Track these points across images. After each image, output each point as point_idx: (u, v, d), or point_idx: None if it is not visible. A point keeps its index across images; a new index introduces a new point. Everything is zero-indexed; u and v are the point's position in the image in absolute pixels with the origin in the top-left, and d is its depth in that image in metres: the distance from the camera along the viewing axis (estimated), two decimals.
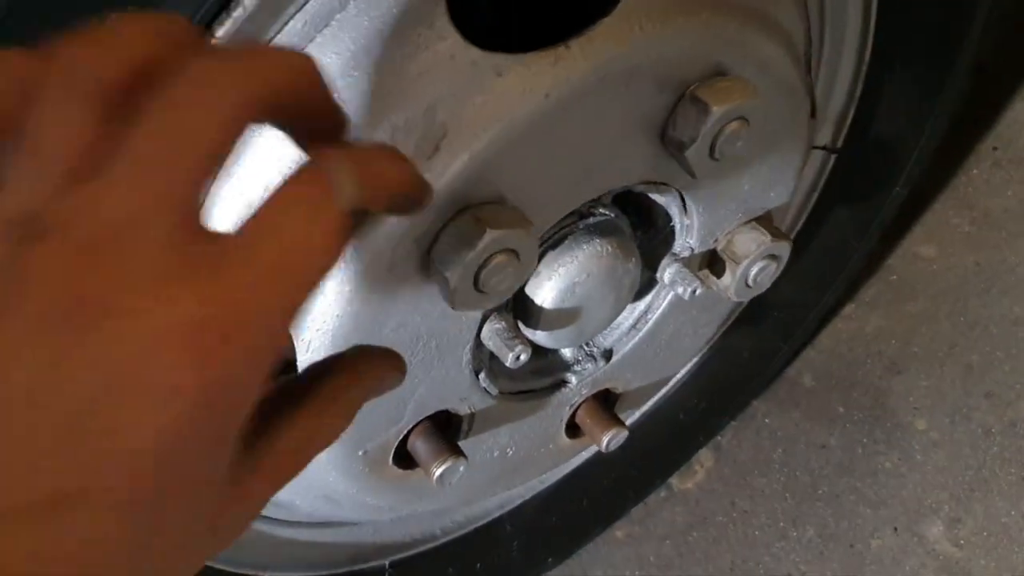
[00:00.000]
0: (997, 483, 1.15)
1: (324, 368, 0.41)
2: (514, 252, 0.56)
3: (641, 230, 0.74)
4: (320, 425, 0.40)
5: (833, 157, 0.92)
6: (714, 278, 0.78)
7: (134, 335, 0.28)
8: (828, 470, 1.22)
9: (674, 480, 1.26)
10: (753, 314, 1.03)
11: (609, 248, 0.69)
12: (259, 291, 0.31)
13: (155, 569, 0.32)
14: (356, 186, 0.33)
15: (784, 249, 0.77)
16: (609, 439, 0.81)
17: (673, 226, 0.74)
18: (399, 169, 0.38)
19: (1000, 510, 1.13)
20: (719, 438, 1.29)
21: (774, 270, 0.78)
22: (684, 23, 0.58)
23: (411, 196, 0.39)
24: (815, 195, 0.95)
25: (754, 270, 0.76)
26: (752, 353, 1.06)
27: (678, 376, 1.02)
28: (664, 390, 1.01)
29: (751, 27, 0.63)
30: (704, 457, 1.28)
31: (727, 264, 0.76)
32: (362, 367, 0.43)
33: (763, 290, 0.79)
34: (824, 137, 0.90)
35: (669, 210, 0.72)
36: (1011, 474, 1.15)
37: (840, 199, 0.97)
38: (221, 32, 0.49)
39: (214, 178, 0.32)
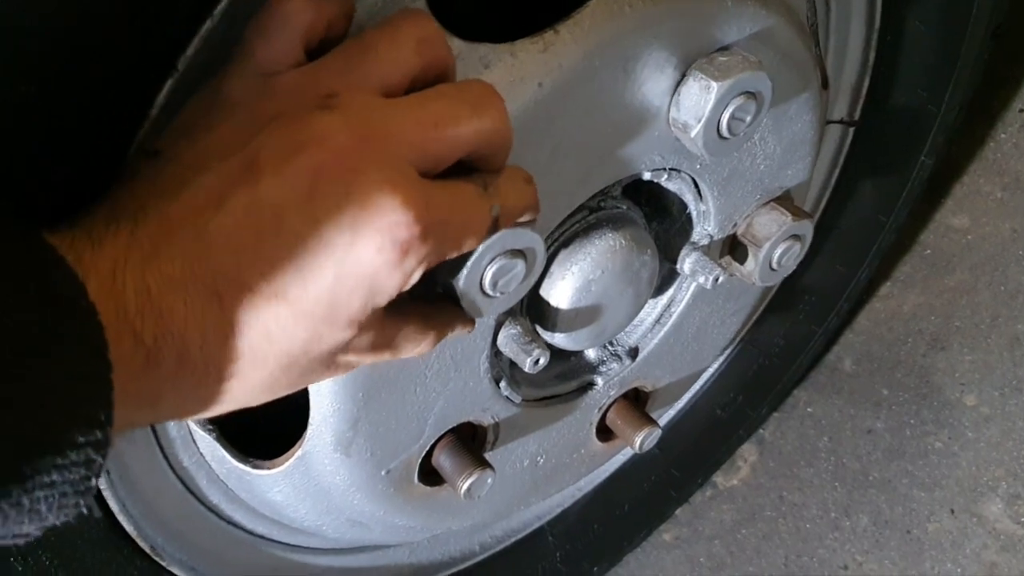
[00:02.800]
0: None
1: None
2: (521, 252, 0.54)
3: (656, 220, 0.72)
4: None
5: (852, 130, 0.89)
6: (737, 264, 0.75)
7: (380, 196, 0.41)
8: (877, 455, 1.18)
9: (719, 478, 1.23)
10: (783, 300, 0.99)
11: (623, 241, 0.66)
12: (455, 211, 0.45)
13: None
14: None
15: (807, 228, 0.74)
16: (642, 439, 0.78)
17: (689, 214, 0.71)
18: (532, 194, 0.50)
19: None
20: (762, 431, 1.25)
21: (798, 251, 0.75)
22: (679, 1, 0.56)
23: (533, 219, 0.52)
24: (836, 171, 0.92)
25: (777, 252, 0.73)
26: (786, 341, 1.03)
27: (711, 370, 0.99)
28: (697, 386, 0.98)
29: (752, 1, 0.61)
30: (748, 452, 1.25)
31: (749, 248, 0.74)
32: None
33: (789, 272, 0.76)
34: (840, 110, 0.87)
35: (683, 197, 0.70)
36: None
37: (863, 174, 0.93)
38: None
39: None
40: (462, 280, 0.52)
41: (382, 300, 0.43)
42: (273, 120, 0.42)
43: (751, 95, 0.59)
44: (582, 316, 0.67)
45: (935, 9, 0.82)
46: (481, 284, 0.53)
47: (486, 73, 0.51)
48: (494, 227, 0.49)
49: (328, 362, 0.45)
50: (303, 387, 0.48)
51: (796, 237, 0.74)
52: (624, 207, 0.68)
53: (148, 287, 0.39)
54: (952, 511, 1.12)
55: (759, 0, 0.61)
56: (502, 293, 0.55)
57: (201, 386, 0.42)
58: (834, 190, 0.93)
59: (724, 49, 0.59)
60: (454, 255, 0.47)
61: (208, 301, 0.40)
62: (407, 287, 0.44)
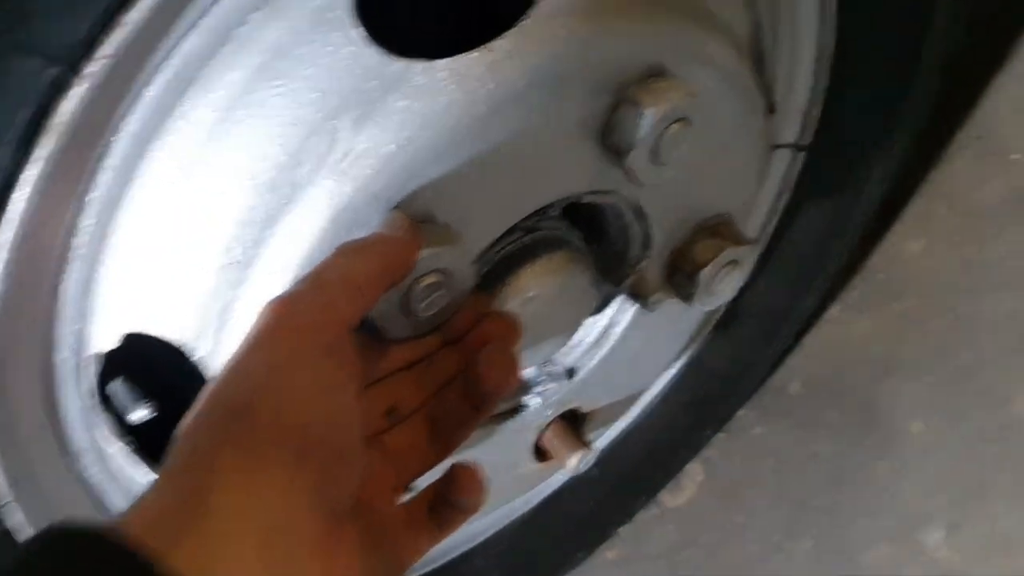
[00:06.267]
0: (995, 487, 1.10)
1: None
2: (445, 272, 0.53)
3: (596, 242, 0.71)
4: None
5: (802, 154, 0.89)
6: (676, 287, 0.74)
7: None
8: (821, 480, 1.18)
9: (664, 497, 1.22)
10: (731, 321, 0.99)
11: (559, 263, 0.65)
12: None
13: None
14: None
15: (748, 253, 0.73)
16: (577, 461, 0.77)
17: (629, 236, 0.71)
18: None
19: (1000, 514, 1.09)
20: (709, 451, 1.25)
21: (738, 276, 0.74)
22: (614, 23, 0.55)
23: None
24: (785, 195, 0.91)
25: (716, 277, 0.73)
26: (731, 363, 1.02)
27: (654, 391, 0.98)
28: (640, 406, 0.97)
29: (689, 25, 0.60)
30: (694, 472, 1.24)
31: (688, 272, 0.73)
32: None
33: (729, 297, 0.76)
34: (790, 134, 0.87)
35: (623, 220, 0.69)
36: (1007, 477, 1.10)
37: (813, 198, 0.93)
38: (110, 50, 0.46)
39: None
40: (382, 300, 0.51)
41: None
42: None
43: (686, 121, 0.59)
44: None
45: (885, 37, 0.82)
46: (405, 305, 0.52)
47: (419, 89, 0.50)
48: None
49: None
50: None
51: (736, 263, 0.73)
52: (562, 228, 0.67)
53: None
54: (893, 538, 1.12)
55: (698, 26, 0.61)
56: (426, 315, 0.53)
57: None
58: (783, 214, 0.93)
59: (660, 74, 0.58)
60: None
61: None
62: None
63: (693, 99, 0.58)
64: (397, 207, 0.50)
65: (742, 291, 0.97)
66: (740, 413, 1.26)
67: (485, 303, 0.61)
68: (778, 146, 0.87)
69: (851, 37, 0.80)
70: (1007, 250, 1.24)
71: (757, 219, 0.92)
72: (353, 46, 0.48)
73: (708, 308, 0.75)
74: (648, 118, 0.56)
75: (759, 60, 0.76)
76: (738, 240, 0.72)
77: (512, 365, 0.54)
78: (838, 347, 1.26)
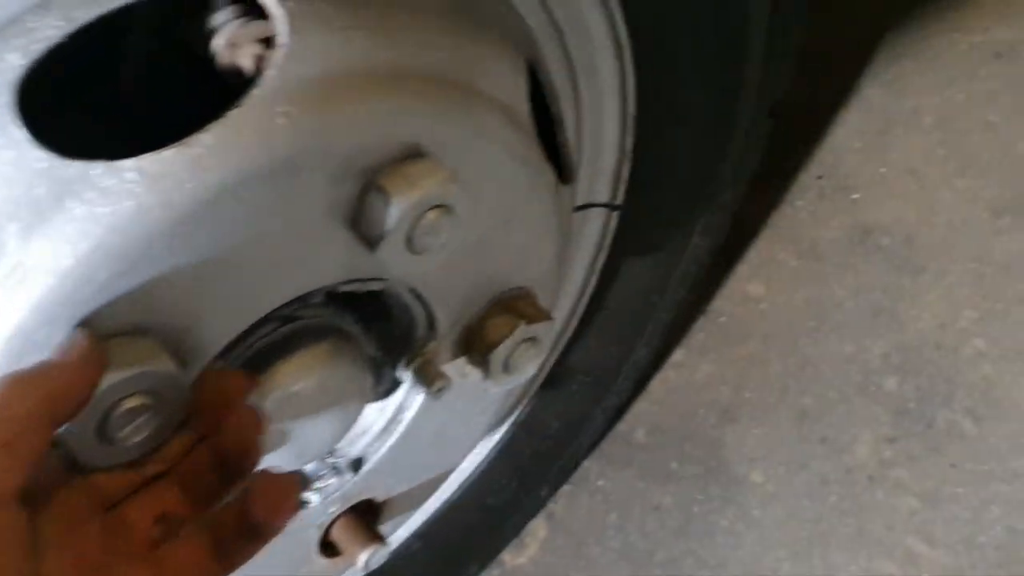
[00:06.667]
0: (836, 536, 1.09)
1: None
2: (152, 392, 0.46)
3: (375, 326, 0.65)
4: None
5: (616, 214, 0.85)
6: (470, 367, 0.69)
7: None
8: (664, 533, 1.15)
9: (507, 555, 1.17)
10: (556, 382, 0.95)
11: (321, 354, 0.59)
12: None
13: None
14: None
15: (544, 329, 0.68)
16: (368, 557, 0.71)
17: (411, 319, 0.65)
18: None
19: (840, 566, 1.07)
20: (552, 505, 1.21)
21: (535, 352, 0.69)
22: (349, 105, 0.49)
23: None
24: (602, 254, 0.87)
25: (512, 355, 0.68)
26: (561, 422, 0.98)
27: (479, 459, 0.93)
28: (463, 476, 0.92)
29: (452, 100, 0.55)
30: (537, 528, 1.19)
31: (480, 351, 0.68)
32: None
33: (529, 375, 0.71)
34: (601, 194, 0.83)
35: (402, 301, 0.63)
36: (849, 525, 1.09)
37: (631, 256, 0.89)
38: None
39: None
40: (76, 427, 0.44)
41: None
42: None
43: (444, 208, 0.53)
44: (274, 437, 0.60)
45: (692, 95, 0.79)
46: (102, 431, 0.46)
47: (99, 194, 0.43)
48: None
49: None
50: None
51: (532, 340, 0.68)
52: (327, 315, 0.61)
53: None
54: None
55: (462, 101, 0.56)
56: (130, 442, 0.47)
57: None
58: (602, 273, 0.89)
59: (416, 156, 0.53)
60: None
61: None
62: None
63: (452, 184, 0.53)
64: (83, 325, 0.44)
65: (568, 349, 0.94)
66: (585, 464, 1.23)
67: (236, 393, 0.54)
68: (590, 206, 0.83)
69: (654, 96, 0.76)
70: (845, 292, 1.24)
71: (574, 280, 0.88)
72: (15, 149, 0.42)
73: (506, 387, 0.70)
74: (396, 208, 0.51)
75: (558, 124, 0.72)
76: (533, 316, 0.67)
77: (286, 493, 0.51)
78: (682, 392, 1.24)
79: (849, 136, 1.35)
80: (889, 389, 1.15)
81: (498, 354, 0.67)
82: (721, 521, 1.14)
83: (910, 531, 1.06)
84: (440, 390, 0.66)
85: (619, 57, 0.73)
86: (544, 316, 0.69)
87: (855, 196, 1.30)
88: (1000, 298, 1.16)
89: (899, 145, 1.31)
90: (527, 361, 0.69)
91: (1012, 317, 1.14)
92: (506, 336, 0.67)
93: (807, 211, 1.32)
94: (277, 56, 0.48)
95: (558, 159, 0.71)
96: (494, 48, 0.60)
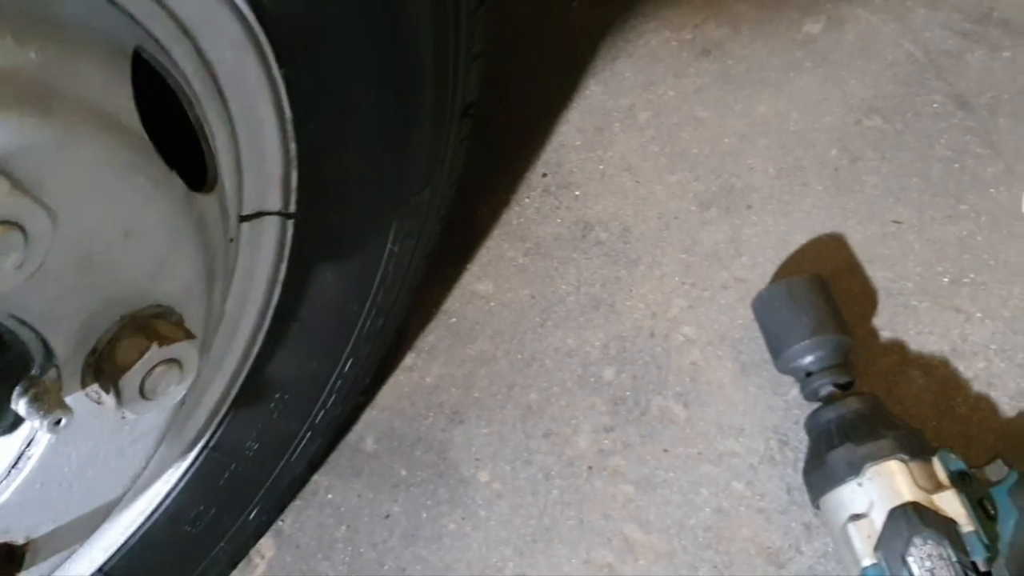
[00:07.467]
0: (558, 529, 1.10)
1: None
2: None
3: None
4: None
5: (291, 221, 0.82)
6: (103, 394, 0.64)
7: None
8: (393, 542, 1.13)
9: None
10: (250, 401, 0.90)
11: None
12: None
13: None
14: None
15: (184, 350, 0.64)
16: None
17: (23, 344, 0.59)
18: None
19: (563, 559, 1.08)
20: (281, 522, 1.17)
21: (179, 375, 0.65)
22: None
23: None
24: (284, 264, 0.84)
25: (147, 379, 0.63)
26: (262, 443, 0.94)
27: (167, 486, 0.87)
28: (149, 506, 0.86)
29: (14, 107, 0.50)
30: (265, 546, 1.15)
31: (111, 377, 0.63)
32: None
33: (175, 399, 0.66)
34: (273, 202, 0.79)
35: (2, 327, 0.58)
36: (571, 517, 1.11)
37: (319, 265, 0.86)
38: None
39: None
40: None
41: None
42: None
43: (10, 225, 0.49)
44: None
45: (362, 96, 0.77)
46: None
47: None
48: None
49: None
50: None
51: (172, 361, 0.64)
52: None
53: None
54: None
55: (34, 105, 0.51)
56: None
57: None
58: (286, 284, 0.85)
59: None
60: None
61: None
62: None
63: (17, 198, 0.48)
64: None
65: (258, 366, 0.90)
66: (315, 478, 1.19)
67: None
68: (261, 215, 0.79)
69: (312, 103, 0.74)
70: (568, 287, 1.26)
71: (256, 293, 0.84)
72: None
73: (146, 413, 0.66)
74: None
75: (198, 129, 0.68)
76: (168, 337, 0.63)
77: None
78: (411, 396, 1.22)
79: (571, 134, 1.38)
80: (607, 379, 1.18)
81: (130, 378, 0.63)
82: (449, 524, 1.13)
83: (626, 518, 1.09)
84: (58, 422, 0.60)
85: (263, 59, 0.70)
86: (183, 336, 0.65)
87: (577, 192, 1.33)
88: (707, 286, 1.21)
89: (616, 142, 1.35)
90: (169, 384, 0.65)
91: (717, 303, 1.19)
92: (135, 360, 0.62)
93: (534, 208, 1.33)
94: None
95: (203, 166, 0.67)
96: (86, 52, 0.56)
